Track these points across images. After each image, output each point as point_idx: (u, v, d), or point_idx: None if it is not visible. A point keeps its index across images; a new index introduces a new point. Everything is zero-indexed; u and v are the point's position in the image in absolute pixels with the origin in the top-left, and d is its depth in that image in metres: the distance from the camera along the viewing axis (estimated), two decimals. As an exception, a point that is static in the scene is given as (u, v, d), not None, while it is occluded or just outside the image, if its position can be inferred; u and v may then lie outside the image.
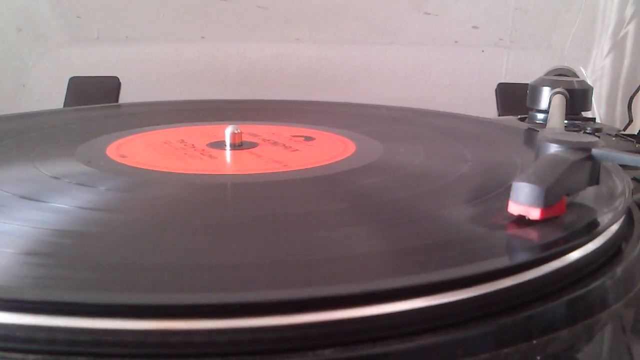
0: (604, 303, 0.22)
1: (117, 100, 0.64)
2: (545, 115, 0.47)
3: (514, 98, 0.61)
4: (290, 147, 0.39)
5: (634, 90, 0.60)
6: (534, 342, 0.20)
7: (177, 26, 0.73)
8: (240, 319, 0.17)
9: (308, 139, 0.42)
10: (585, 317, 0.21)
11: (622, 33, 0.68)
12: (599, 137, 0.41)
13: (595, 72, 0.71)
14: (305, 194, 0.30)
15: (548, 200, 0.23)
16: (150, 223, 0.25)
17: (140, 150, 0.38)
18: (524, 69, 0.74)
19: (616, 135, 0.47)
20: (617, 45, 0.69)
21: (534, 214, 0.23)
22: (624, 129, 0.55)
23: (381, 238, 0.24)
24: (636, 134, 0.48)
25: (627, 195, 0.27)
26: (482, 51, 0.74)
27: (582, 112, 0.49)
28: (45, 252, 0.22)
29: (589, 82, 0.56)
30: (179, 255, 0.22)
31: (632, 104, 0.59)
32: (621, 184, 0.29)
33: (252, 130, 0.43)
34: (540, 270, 0.21)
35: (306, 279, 0.20)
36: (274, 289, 0.19)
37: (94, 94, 0.62)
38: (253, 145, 0.39)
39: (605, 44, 0.70)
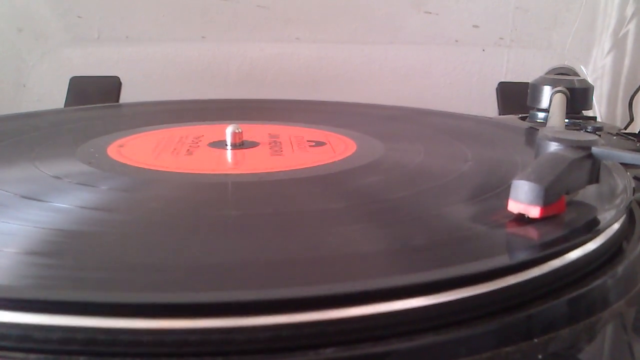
0: (605, 302, 0.22)
1: (117, 100, 0.64)
2: (546, 114, 0.47)
3: (515, 97, 0.61)
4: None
5: (634, 89, 0.60)
6: (535, 340, 0.20)
7: (177, 26, 0.73)
8: (241, 317, 0.17)
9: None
10: (586, 316, 0.21)
11: (622, 32, 0.68)
12: (599, 136, 0.41)
13: (596, 71, 0.71)
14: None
15: (548, 198, 0.23)
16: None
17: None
18: (525, 68, 0.73)
19: (617, 134, 0.47)
20: (618, 44, 0.69)
21: (534, 212, 0.23)
22: (625, 128, 0.55)
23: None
24: (637, 132, 0.48)
25: (628, 194, 0.27)
26: (483, 50, 0.74)
27: (583, 111, 0.49)
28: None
29: (590, 81, 0.55)
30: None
31: (633, 103, 0.59)
32: (622, 182, 0.29)
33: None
34: (541, 268, 0.21)
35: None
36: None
37: (95, 94, 0.62)
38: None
39: (606, 42, 0.70)
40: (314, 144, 0.40)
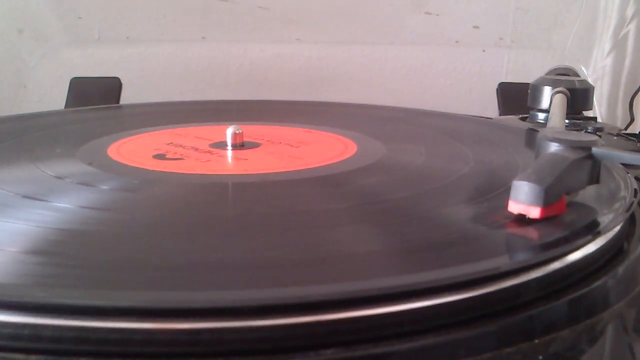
0: (605, 302, 0.22)
1: (118, 101, 0.64)
2: (546, 114, 0.47)
3: (515, 98, 0.61)
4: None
5: (635, 90, 0.60)
6: (536, 341, 0.20)
7: (177, 27, 0.73)
8: (242, 318, 0.17)
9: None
10: (587, 317, 0.21)
11: (623, 32, 0.68)
12: (600, 136, 0.41)
13: (597, 72, 0.71)
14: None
15: (548, 199, 0.23)
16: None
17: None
18: (525, 69, 0.73)
19: (618, 135, 0.47)
20: (618, 45, 0.69)
21: (534, 212, 0.23)
22: (626, 128, 0.55)
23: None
24: (638, 133, 0.48)
25: (629, 195, 0.27)
26: (483, 51, 0.74)
27: (584, 112, 0.49)
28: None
29: (590, 81, 0.55)
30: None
31: (634, 103, 0.59)
32: (623, 183, 0.29)
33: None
34: (542, 269, 0.21)
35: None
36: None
37: (95, 95, 0.62)
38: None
39: (606, 43, 0.70)
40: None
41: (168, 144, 0.39)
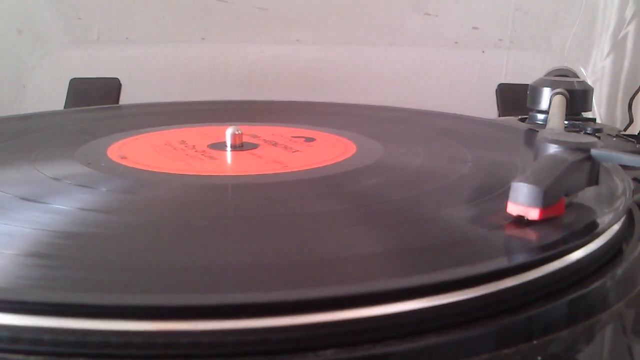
0: (604, 303, 0.22)
1: (117, 102, 0.64)
2: (546, 115, 0.47)
3: (514, 98, 0.61)
4: (291, 148, 0.39)
5: (634, 91, 0.60)
6: (535, 342, 0.20)
7: (177, 27, 0.73)
8: (240, 320, 0.17)
9: (308, 139, 0.42)
10: (585, 318, 0.21)
11: (622, 33, 0.68)
12: (599, 137, 0.41)
13: (596, 73, 0.71)
14: (306, 195, 0.30)
15: (547, 200, 0.23)
16: (151, 224, 0.25)
17: (141, 152, 0.38)
18: (524, 70, 0.74)
19: (617, 136, 0.47)
20: (618, 46, 0.69)
21: (533, 214, 0.23)
22: (625, 130, 0.55)
23: (382, 239, 0.24)
24: (637, 134, 0.48)
25: (627, 196, 0.27)
26: (482, 52, 0.74)
27: (583, 113, 0.49)
28: (45, 254, 0.22)
29: (589, 82, 0.55)
30: (180, 257, 0.22)
31: (633, 105, 0.59)
32: (622, 184, 0.29)
33: (253, 131, 0.43)
34: (540, 270, 0.21)
35: (307, 280, 0.20)
36: (274, 290, 0.19)
37: (95, 95, 0.62)
38: (254, 146, 0.39)
39: (606, 44, 0.70)
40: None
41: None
